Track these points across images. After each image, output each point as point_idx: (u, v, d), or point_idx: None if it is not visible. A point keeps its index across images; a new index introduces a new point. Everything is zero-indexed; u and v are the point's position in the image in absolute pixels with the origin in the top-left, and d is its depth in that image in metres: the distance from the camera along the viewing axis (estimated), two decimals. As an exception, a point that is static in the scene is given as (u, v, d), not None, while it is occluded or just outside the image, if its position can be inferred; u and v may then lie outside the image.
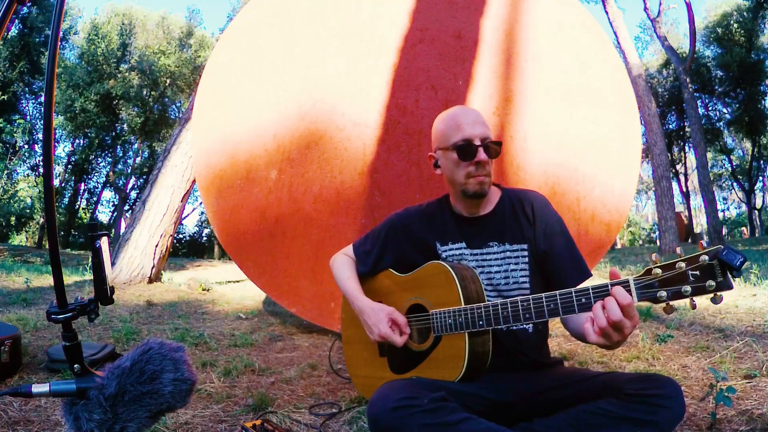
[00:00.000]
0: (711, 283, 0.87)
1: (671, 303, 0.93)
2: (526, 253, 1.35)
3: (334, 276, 1.58)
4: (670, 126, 21.15)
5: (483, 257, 1.37)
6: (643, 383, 1.09)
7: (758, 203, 27.18)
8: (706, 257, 0.88)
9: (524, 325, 1.32)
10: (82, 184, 22.28)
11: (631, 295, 0.95)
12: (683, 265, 0.91)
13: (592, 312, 0.99)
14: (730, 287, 0.86)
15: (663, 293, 0.92)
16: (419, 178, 2.74)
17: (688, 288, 0.89)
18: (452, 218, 1.44)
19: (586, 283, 1.09)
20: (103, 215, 27.15)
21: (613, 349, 1.12)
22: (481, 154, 1.30)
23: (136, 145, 21.67)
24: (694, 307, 0.91)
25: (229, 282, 6.35)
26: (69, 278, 5.11)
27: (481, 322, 1.19)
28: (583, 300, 1.02)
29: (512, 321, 1.14)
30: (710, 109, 20.71)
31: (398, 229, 1.52)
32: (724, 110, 20.53)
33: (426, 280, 1.37)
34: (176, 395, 1.03)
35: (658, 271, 0.93)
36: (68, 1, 18.12)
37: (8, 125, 13.17)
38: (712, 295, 0.88)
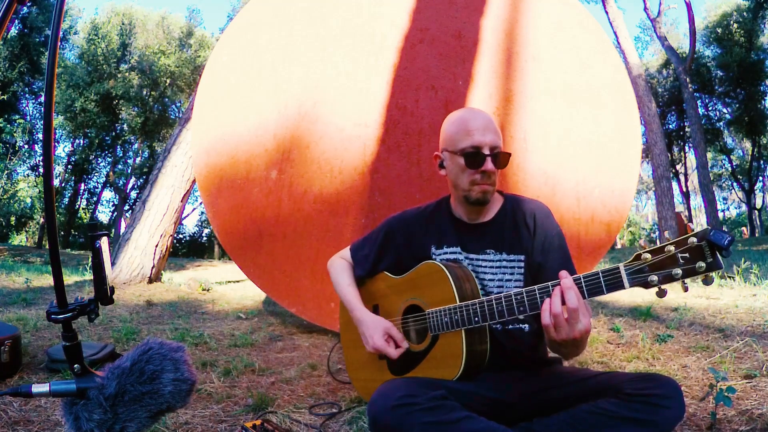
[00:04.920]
0: (701, 264, 0.88)
1: (663, 287, 0.93)
2: (522, 264, 1.34)
3: (332, 281, 1.58)
4: (670, 126, 21.16)
5: (478, 263, 1.36)
6: (642, 383, 1.09)
7: (758, 203, 27.18)
8: (694, 239, 0.89)
9: (520, 325, 1.33)
10: (82, 184, 22.31)
11: (622, 281, 0.97)
12: (672, 248, 0.91)
13: (551, 297, 1.03)
14: (719, 267, 0.87)
15: (654, 277, 0.93)
16: (419, 178, 2.74)
17: (679, 271, 0.90)
18: (451, 222, 1.43)
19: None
20: (103, 215, 27.23)
21: (568, 357, 1.15)
22: (489, 164, 1.27)
23: (136, 145, 21.69)
24: (686, 289, 0.92)
25: (229, 282, 6.35)
26: (69, 278, 5.11)
27: (476, 318, 1.19)
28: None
29: (507, 315, 1.14)
30: (710, 109, 20.73)
31: (396, 232, 1.51)
32: (724, 110, 20.56)
33: (420, 280, 1.37)
34: (176, 395, 1.03)
35: (648, 255, 0.94)
36: (68, 1, 18.11)
37: (8, 125, 13.17)
38: (703, 276, 0.89)
